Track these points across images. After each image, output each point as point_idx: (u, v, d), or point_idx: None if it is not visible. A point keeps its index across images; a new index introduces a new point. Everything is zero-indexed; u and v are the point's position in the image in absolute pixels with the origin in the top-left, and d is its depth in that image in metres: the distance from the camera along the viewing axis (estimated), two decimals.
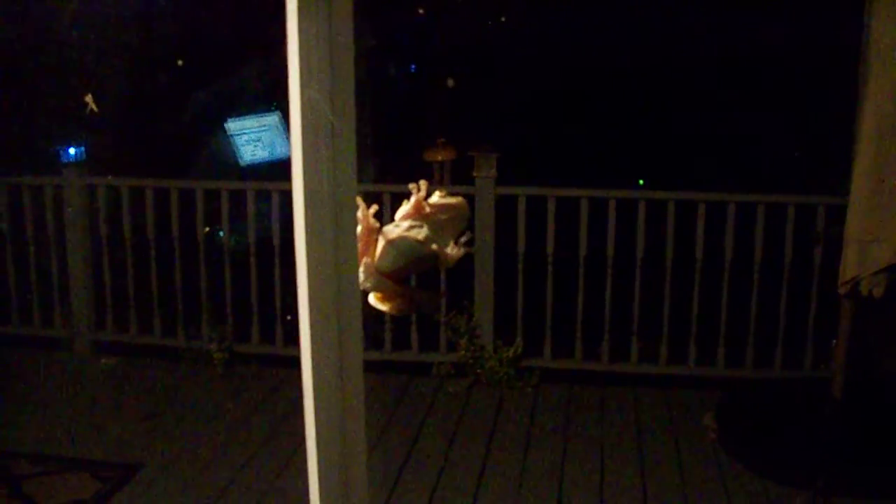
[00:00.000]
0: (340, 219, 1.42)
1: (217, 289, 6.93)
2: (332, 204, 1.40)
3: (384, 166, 9.91)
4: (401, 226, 1.70)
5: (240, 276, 6.88)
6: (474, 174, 6.56)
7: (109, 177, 7.13)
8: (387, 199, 5.99)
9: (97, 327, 7.19)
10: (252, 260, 6.77)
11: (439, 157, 9.96)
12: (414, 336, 6.77)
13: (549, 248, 6.49)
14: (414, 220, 1.71)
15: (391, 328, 6.76)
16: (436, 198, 1.77)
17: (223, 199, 6.82)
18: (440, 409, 6.20)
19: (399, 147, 10.71)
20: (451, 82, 10.61)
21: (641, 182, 9.86)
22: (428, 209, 1.73)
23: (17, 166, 7.65)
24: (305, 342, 1.47)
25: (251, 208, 6.74)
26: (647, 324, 6.52)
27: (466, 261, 6.41)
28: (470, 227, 1.81)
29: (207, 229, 7.00)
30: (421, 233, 1.69)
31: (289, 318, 6.83)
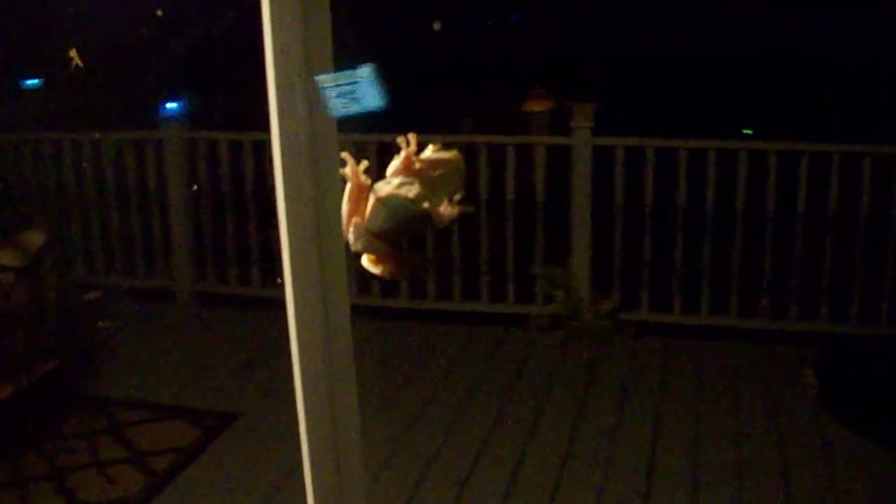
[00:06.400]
0: (320, 170, 1.38)
1: None
2: (310, 154, 1.36)
3: (482, 118, 9.89)
4: (391, 183, 1.60)
5: None
6: (571, 124, 6.48)
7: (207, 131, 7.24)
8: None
9: (198, 279, 7.32)
10: None
11: (537, 108, 9.89)
12: (511, 287, 6.75)
13: (647, 200, 6.39)
14: (405, 176, 1.60)
15: (488, 280, 6.74)
16: (428, 152, 1.65)
17: None
18: (535, 362, 6.18)
19: (497, 98, 10.67)
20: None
21: (749, 132, 9.64)
22: (418, 165, 1.62)
23: (120, 121, 7.79)
24: (289, 296, 1.44)
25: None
26: (748, 277, 6.39)
27: (563, 212, 6.37)
28: (466, 183, 1.71)
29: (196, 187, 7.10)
30: (412, 190, 1.58)
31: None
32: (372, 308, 6.86)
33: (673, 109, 10.41)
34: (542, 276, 6.62)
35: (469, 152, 6.64)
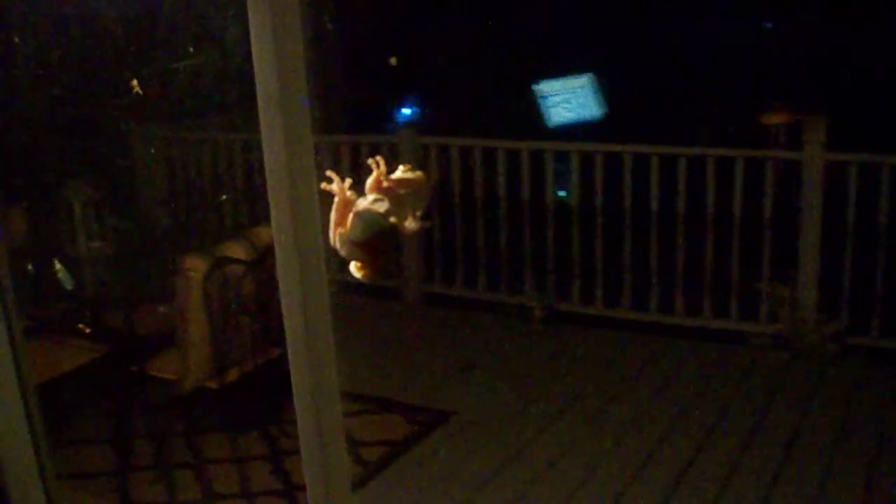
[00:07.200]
0: (297, 184, 1.60)
1: (541, 247, 7.08)
2: (288, 172, 1.59)
3: (717, 129, 9.74)
4: (368, 198, 1.81)
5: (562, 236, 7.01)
6: (802, 138, 6.30)
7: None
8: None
9: (426, 280, 7.52)
10: (574, 219, 6.88)
11: (775, 121, 9.69)
12: (733, 304, 6.61)
13: (882, 219, 6.11)
14: (378, 193, 1.81)
15: (710, 295, 6.63)
16: (398, 173, 1.86)
17: (547, 159, 6.94)
18: (754, 382, 6.02)
19: (738, 108, 10.48)
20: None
21: None
22: (385, 184, 1.82)
23: (359, 126, 8.10)
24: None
25: (575, 168, 6.83)
26: None
27: (790, 229, 6.19)
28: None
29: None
30: (382, 206, 1.79)
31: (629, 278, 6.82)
32: (595, 317, 6.89)
33: None
34: (767, 293, 6.45)
35: (696, 165, 6.56)
